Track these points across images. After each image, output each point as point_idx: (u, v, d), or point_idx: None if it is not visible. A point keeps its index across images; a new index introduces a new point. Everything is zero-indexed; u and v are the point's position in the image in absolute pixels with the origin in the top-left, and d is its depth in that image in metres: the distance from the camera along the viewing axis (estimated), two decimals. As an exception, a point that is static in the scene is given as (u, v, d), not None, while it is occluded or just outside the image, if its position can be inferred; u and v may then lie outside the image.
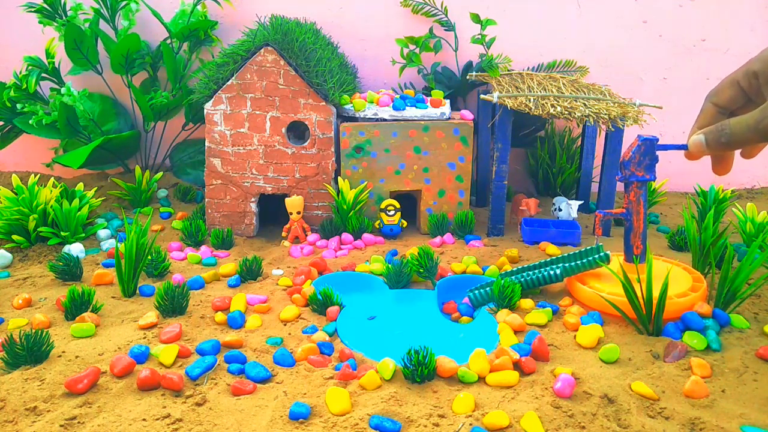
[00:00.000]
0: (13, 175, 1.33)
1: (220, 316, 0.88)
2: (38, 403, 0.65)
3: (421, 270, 1.02)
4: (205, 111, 1.24)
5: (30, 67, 1.39)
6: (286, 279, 1.03)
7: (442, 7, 1.51)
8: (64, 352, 0.76)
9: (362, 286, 1.03)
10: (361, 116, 1.27)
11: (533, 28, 1.56)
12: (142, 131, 1.58)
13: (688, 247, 1.17)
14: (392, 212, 1.26)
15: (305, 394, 0.69)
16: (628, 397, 0.68)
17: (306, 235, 1.27)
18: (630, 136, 1.38)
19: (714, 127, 0.65)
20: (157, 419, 0.63)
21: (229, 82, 1.22)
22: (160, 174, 1.50)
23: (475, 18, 1.45)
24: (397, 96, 1.31)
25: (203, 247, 1.20)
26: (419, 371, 0.70)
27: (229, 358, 0.76)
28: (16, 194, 1.16)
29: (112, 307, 0.92)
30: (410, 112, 1.28)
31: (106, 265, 1.09)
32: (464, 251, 1.17)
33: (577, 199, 1.47)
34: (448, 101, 1.33)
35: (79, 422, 0.63)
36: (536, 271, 0.97)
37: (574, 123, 1.39)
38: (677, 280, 0.92)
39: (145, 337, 0.81)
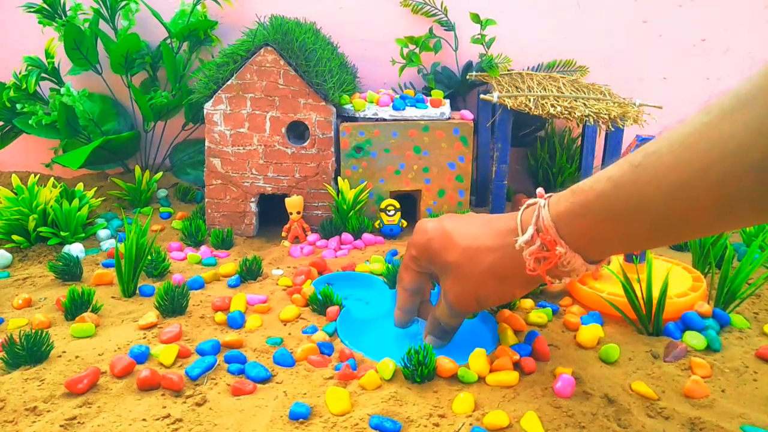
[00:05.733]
0: (13, 175, 1.32)
1: (220, 316, 0.88)
2: (38, 403, 0.65)
3: (421, 270, 1.02)
4: (205, 111, 1.24)
5: (30, 67, 1.39)
6: (286, 279, 1.03)
7: (442, 7, 1.51)
8: (64, 352, 0.76)
9: (362, 286, 1.03)
10: (361, 116, 1.27)
11: (533, 28, 1.56)
12: (142, 131, 1.58)
13: (688, 246, 1.17)
14: (392, 212, 1.26)
15: (305, 394, 0.69)
16: (628, 397, 0.68)
17: (306, 235, 1.27)
18: (630, 136, 1.39)
19: (430, 324, 0.68)
20: (157, 419, 0.63)
21: (228, 82, 1.22)
22: (160, 174, 1.50)
23: (475, 18, 1.44)
24: (397, 96, 1.31)
25: (203, 247, 1.20)
26: (419, 371, 0.70)
27: (229, 358, 0.76)
28: (15, 194, 1.16)
29: (112, 307, 0.92)
30: (410, 112, 1.27)
31: (106, 265, 1.09)
32: (464, 251, 1.16)
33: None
34: (448, 101, 1.33)
35: (79, 422, 0.63)
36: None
37: (574, 123, 1.39)
38: (677, 280, 0.92)
39: (145, 337, 0.81)
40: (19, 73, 1.39)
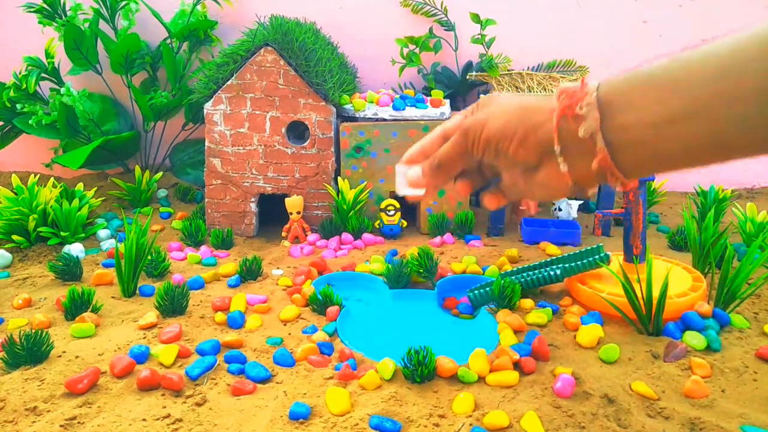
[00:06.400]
0: (13, 175, 1.32)
1: (220, 316, 0.88)
2: (38, 403, 0.65)
3: (421, 270, 1.02)
4: (205, 111, 1.24)
5: (30, 67, 1.39)
6: (286, 279, 1.03)
7: (442, 7, 1.51)
8: (64, 352, 0.76)
9: (362, 286, 1.03)
10: (361, 116, 1.27)
11: (533, 28, 1.56)
12: (142, 131, 1.58)
13: (688, 247, 1.17)
14: (392, 212, 1.26)
15: (305, 394, 0.69)
16: (628, 397, 0.68)
17: (306, 235, 1.27)
18: (630, 136, 1.39)
19: (430, 158, 0.68)
20: (157, 419, 0.63)
21: (229, 82, 1.22)
22: (160, 174, 1.50)
23: (475, 18, 1.45)
24: (397, 96, 1.31)
25: (203, 247, 1.20)
26: (419, 371, 0.70)
27: (229, 358, 0.76)
28: (16, 194, 1.16)
29: (112, 307, 0.92)
30: (410, 112, 1.28)
31: (106, 265, 1.09)
32: (464, 251, 1.16)
33: (576, 199, 1.47)
34: (447, 101, 1.33)
35: (79, 422, 0.63)
36: (536, 271, 0.97)
37: (574, 123, 1.39)
38: (677, 280, 0.92)
39: (145, 337, 0.81)
40: (19, 73, 1.39)
